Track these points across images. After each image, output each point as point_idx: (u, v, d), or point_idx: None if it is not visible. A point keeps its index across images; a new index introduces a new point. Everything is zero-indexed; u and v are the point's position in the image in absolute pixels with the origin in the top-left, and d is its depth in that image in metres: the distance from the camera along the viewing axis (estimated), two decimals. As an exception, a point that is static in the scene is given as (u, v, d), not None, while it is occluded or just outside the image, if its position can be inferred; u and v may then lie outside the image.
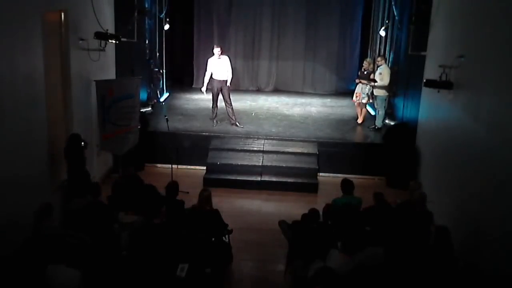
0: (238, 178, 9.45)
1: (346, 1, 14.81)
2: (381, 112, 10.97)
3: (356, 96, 11.34)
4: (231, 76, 10.81)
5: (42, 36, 6.66)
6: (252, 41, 15.15)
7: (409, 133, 9.69)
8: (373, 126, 11.07)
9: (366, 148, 10.23)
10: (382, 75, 10.78)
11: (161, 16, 12.77)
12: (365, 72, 11.21)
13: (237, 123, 10.90)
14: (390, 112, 11.30)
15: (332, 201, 6.82)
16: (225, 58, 10.76)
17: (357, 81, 11.35)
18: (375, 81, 10.83)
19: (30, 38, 6.39)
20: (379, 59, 11.19)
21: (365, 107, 11.55)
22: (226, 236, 6.66)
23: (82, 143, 7.70)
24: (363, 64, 11.50)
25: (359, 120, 11.52)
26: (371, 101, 11.31)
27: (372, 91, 11.03)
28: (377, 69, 11.09)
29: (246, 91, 15.03)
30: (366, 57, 13.39)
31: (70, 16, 7.62)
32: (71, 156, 7.29)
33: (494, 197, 5.71)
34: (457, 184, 7.06)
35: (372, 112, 11.81)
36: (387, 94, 10.90)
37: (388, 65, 11.35)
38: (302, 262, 5.54)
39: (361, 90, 11.21)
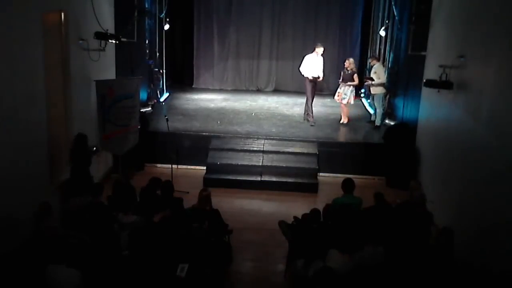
0: (238, 178, 9.45)
1: (346, 1, 14.80)
2: (379, 110, 10.98)
3: (338, 96, 11.25)
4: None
5: (42, 36, 6.66)
6: (252, 41, 15.14)
7: (409, 133, 9.69)
8: (372, 121, 11.09)
9: (366, 148, 10.22)
10: (378, 73, 10.81)
11: (161, 16, 12.76)
12: (348, 72, 11.11)
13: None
14: (390, 112, 11.30)
15: (332, 201, 6.82)
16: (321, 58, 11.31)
17: (340, 82, 11.24)
18: (372, 79, 10.84)
19: (30, 38, 6.39)
20: (370, 60, 11.15)
21: (347, 107, 11.38)
22: (226, 236, 6.67)
23: (94, 148, 7.75)
24: (345, 64, 11.38)
25: (343, 121, 11.37)
26: (352, 102, 11.21)
27: (370, 90, 11.02)
28: (371, 68, 11.09)
29: (246, 91, 15.04)
30: (366, 57, 13.36)
31: (70, 16, 7.63)
32: (76, 156, 7.29)
33: (495, 197, 5.71)
34: (457, 184, 7.06)
35: (371, 111, 11.80)
36: (384, 91, 10.92)
37: (388, 65, 11.32)
38: (302, 262, 5.54)
39: (343, 90, 11.15)
